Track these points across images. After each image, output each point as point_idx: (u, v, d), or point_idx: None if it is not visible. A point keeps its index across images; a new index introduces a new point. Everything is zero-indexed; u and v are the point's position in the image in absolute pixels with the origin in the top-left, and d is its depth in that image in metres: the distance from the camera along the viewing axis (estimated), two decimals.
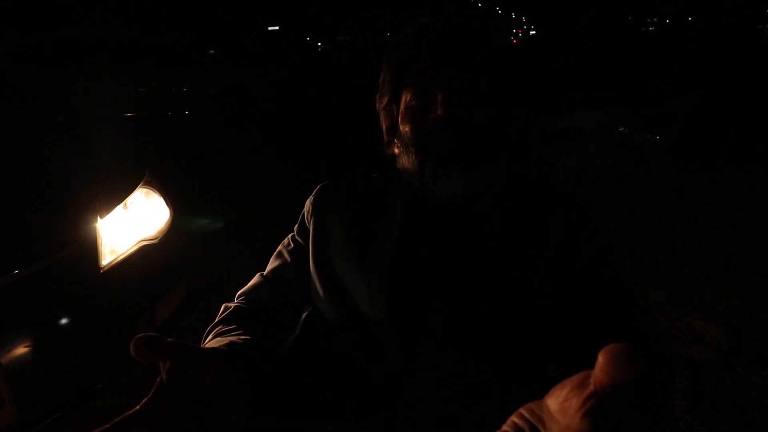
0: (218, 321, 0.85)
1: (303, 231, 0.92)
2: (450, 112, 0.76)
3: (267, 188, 4.59)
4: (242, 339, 0.72)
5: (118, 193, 1.68)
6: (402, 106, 0.82)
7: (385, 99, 0.85)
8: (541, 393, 0.36)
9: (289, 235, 0.95)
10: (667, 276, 2.75)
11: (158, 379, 0.52)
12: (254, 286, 0.92)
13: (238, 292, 0.94)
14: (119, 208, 1.65)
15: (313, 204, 0.91)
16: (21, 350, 1.27)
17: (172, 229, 1.82)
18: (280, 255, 0.94)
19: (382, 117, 0.87)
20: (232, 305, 0.88)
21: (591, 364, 0.78)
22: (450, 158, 0.77)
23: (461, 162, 0.77)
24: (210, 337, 0.81)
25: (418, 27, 0.83)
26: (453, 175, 0.77)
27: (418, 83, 0.80)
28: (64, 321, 1.39)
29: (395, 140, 0.85)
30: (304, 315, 0.92)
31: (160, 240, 1.74)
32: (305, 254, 0.89)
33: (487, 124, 0.78)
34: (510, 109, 0.83)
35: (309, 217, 0.91)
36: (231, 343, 0.69)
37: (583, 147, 3.85)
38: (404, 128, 0.81)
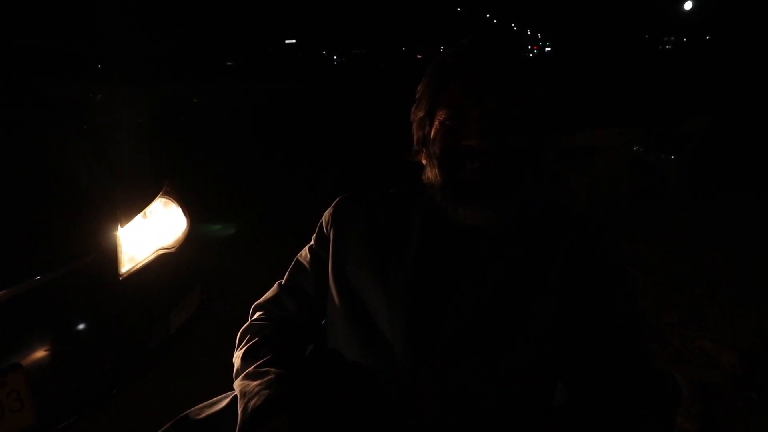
0: (248, 350, 0.88)
1: (322, 242, 0.94)
2: (483, 143, 0.78)
3: (278, 197, 4.64)
4: (280, 385, 0.80)
5: (138, 203, 1.73)
6: (436, 123, 0.83)
7: (420, 114, 0.86)
8: (545, 412, 0.37)
9: (307, 246, 0.97)
10: (680, 297, 2.72)
11: None
12: (274, 299, 0.95)
13: (257, 303, 0.97)
14: (139, 217, 1.69)
15: (333, 216, 0.94)
16: (41, 354, 1.31)
17: (189, 239, 1.86)
18: (298, 266, 0.96)
19: (414, 128, 0.89)
20: (256, 327, 0.92)
21: (599, 386, 0.79)
22: (476, 189, 0.79)
23: (486, 194, 0.79)
24: (246, 372, 0.85)
25: (462, 47, 0.84)
26: (477, 205, 0.79)
27: (455, 104, 0.81)
28: (82, 326, 1.43)
29: (423, 151, 0.87)
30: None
31: (176, 249, 1.78)
32: (324, 265, 0.92)
33: (520, 154, 0.80)
34: (544, 137, 0.84)
35: (328, 228, 0.93)
36: (272, 399, 0.78)
37: (596, 165, 3.84)
38: (434, 146, 0.83)
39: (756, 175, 4.78)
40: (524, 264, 0.81)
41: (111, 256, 1.53)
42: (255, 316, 0.95)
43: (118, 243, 1.55)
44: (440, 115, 0.82)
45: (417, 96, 0.88)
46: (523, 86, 0.81)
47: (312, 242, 0.96)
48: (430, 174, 0.84)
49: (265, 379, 0.81)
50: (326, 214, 0.95)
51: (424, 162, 0.87)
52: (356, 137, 7.49)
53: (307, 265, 0.95)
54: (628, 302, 0.80)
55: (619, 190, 3.84)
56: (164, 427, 0.85)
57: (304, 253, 0.97)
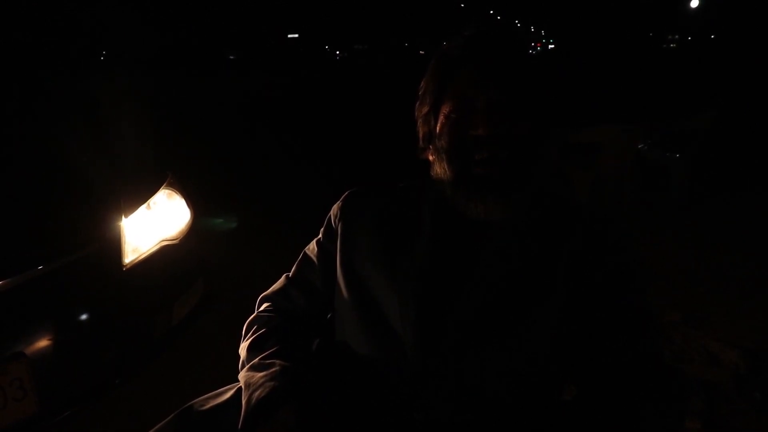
0: (254, 341, 0.88)
1: (330, 235, 0.93)
2: (490, 131, 0.77)
3: (282, 191, 4.64)
4: (285, 377, 0.79)
5: (142, 194, 1.72)
6: (441, 117, 0.83)
7: (425, 108, 0.85)
8: (553, 406, 0.37)
9: (315, 240, 0.97)
10: (683, 296, 2.71)
11: None
12: (281, 291, 0.95)
13: (264, 295, 0.97)
14: (143, 208, 1.69)
15: (342, 209, 0.93)
16: (44, 343, 1.31)
17: (192, 230, 1.86)
18: (305, 259, 0.96)
19: (419, 124, 0.88)
20: (263, 318, 0.92)
21: (607, 381, 0.78)
22: (487, 184, 0.78)
23: (498, 188, 0.78)
24: (251, 363, 0.84)
25: (465, 39, 0.83)
26: (489, 200, 0.78)
27: (460, 96, 0.80)
28: (85, 316, 1.43)
29: (430, 147, 0.86)
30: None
31: (180, 240, 1.78)
32: (332, 258, 0.91)
33: (528, 143, 0.79)
34: (549, 127, 0.83)
35: (337, 221, 0.93)
36: (278, 391, 0.78)
37: (600, 162, 3.83)
38: (441, 139, 0.82)
39: (761, 173, 4.77)
40: (534, 258, 0.80)
41: (115, 247, 1.52)
42: (262, 308, 0.95)
43: (121, 233, 1.55)
44: (445, 109, 0.81)
45: (420, 92, 0.86)
46: (529, 74, 0.80)
47: (320, 235, 0.96)
48: (439, 169, 0.83)
49: (271, 370, 0.80)
50: (335, 208, 0.94)
51: (431, 158, 0.86)
52: (361, 132, 7.47)
53: (314, 258, 0.94)
54: (638, 297, 0.79)
55: (623, 187, 3.83)
56: (168, 418, 0.85)
57: (312, 247, 0.96)
